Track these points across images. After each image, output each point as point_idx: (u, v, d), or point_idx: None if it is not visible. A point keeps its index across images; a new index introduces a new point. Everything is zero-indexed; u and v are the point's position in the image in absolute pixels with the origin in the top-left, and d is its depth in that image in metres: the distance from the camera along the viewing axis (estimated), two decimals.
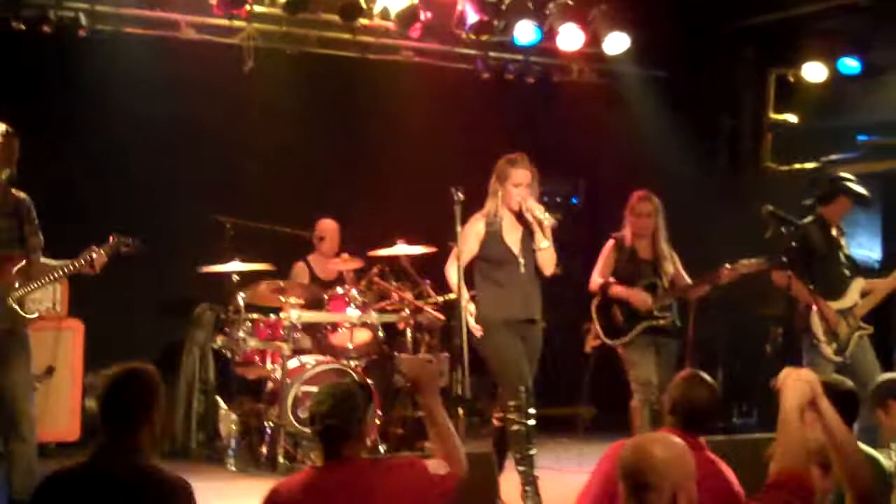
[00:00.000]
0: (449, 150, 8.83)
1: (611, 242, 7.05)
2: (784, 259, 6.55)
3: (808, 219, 7.02)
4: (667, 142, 9.18)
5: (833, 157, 8.97)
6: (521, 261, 6.12)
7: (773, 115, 9.64)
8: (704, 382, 4.07)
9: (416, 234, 7.60)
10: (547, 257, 6.14)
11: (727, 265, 6.73)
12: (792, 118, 9.56)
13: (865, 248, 9.04)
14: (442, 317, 7.48)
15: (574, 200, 10.11)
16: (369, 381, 7.11)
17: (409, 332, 7.42)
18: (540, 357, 6.27)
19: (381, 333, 7.51)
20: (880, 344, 7.10)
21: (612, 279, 6.94)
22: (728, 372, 8.72)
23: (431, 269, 7.55)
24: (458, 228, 6.07)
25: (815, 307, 6.80)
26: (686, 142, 9.22)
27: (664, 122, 9.28)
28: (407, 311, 7.44)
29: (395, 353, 7.74)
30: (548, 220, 6.08)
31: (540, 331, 6.22)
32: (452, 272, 6.12)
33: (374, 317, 7.39)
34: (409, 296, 7.53)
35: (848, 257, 7.12)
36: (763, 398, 8.49)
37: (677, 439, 3.02)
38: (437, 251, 7.22)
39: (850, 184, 7.05)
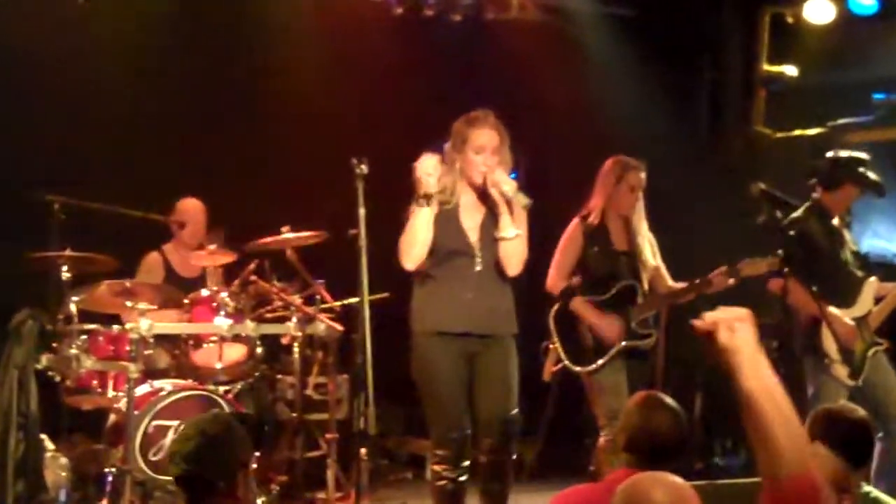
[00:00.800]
0: (351, 110, 8.79)
1: (576, 224, 6.95)
2: (780, 256, 6.57)
3: (804, 207, 7.07)
4: (632, 100, 9.23)
5: (842, 120, 9.07)
6: (478, 253, 6.04)
7: (768, 67, 9.73)
8: (664, 406, 4.10)
9: (308, 219, 7.54)
10: (512, 250, 6.05)
11: (725, 268, 6.69)
12: (791, 70, 9.65)
13: (883, 238, 9.16)
14: (340, 328, 7.43)
15: (514, 175, 10.10)
16: (244, 412, 7.10)
17: (296, 349, 7.33)
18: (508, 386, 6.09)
19: (259, 350, 7.41)
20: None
21: (576, 280, 6.86)
22: (708, 399, 8.79)
23: (327, 264, 7.51)
24: (361, 210, 6.02)
25: (825, 322, 6.84)
26: (657, 100, 9.27)
27: (629, 75, 9.31)
28: (294, 320, 7.36)
29: (279, 376, 7.66)
30: (520, 198, 6.01)
31: (505, 352, 6.08)
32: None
33: (250, 328, 7.28)
34: (296, 300, 7.45)
35: (855, 253, 7.19)
36: None
37: (679, 480, 3.05)
38: (334, 240, 7.13)
39: (860, 169, 7.08)
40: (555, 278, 6.92)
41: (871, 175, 7.07)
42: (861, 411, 4.31)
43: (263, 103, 8.90)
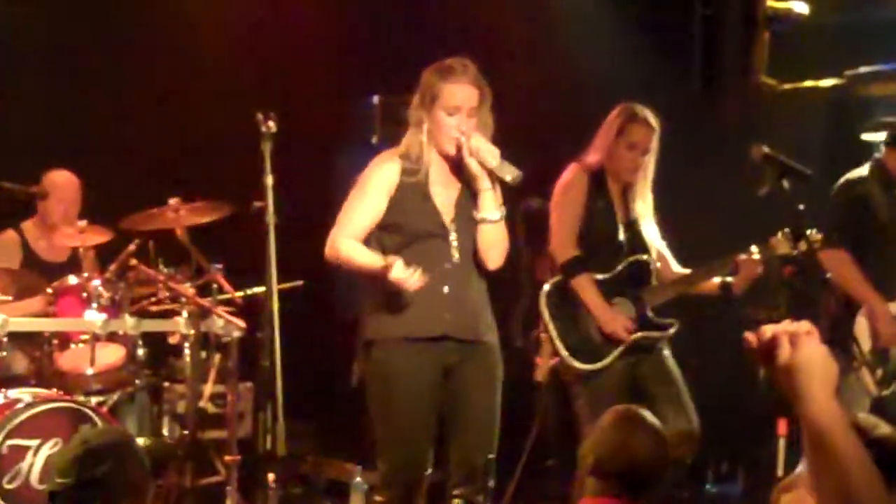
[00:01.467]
0: (256, 55, 8.75)
1: (577, 168, 6.74)
2: (789, 233, 6.58)
3: (865, 169, 7.09)
4: (609, 46, 9.22)
5: (864, 68, 9.10)
6: (454, 237, 5.87)
7: (772, 3, 9.74)
8: (645, 425, 4.12)
9: (201, 189, 7.55)
10: (495, 236, 5.90)
11: (754, 248, 6.64)
12: (800, 7, 9.67)
13: None
14: (242, 324, 7.39)
15: None
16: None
17: (188, 350, 7.29)
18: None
19: (141, 351, 7.40)
20: None
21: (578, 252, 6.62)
22: (698, 412, 8.79)
23: (226, 245, 7.54)
24: (268, 179, 5.97)
25: (865, 310, 6.88)
26: (637, 44, 9.27)
27: (605, 15, 9.30)
28: (185, 314, 7.32)
29: (166, 385, 7.61)
30: (506, 171, 5.79)
31: (491, 367, 5.94)
32: (347, 247, 5.82)
33: (129, 324, 7.26)
34: (188, 290, 7.41)
35: None
36: (752, 451, 8.62)
37: None
38: (235, 215, 7.18)
39: None
40: (563, 238, 6.70)
41: None
42: (885, 427, 4.28)
43: (149, 51, 8.85)
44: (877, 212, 7.00)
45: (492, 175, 5.85)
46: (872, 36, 9.31)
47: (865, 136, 7.23)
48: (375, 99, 8.94)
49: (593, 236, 6.71)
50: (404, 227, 5.87)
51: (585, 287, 6.64)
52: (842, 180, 7.04)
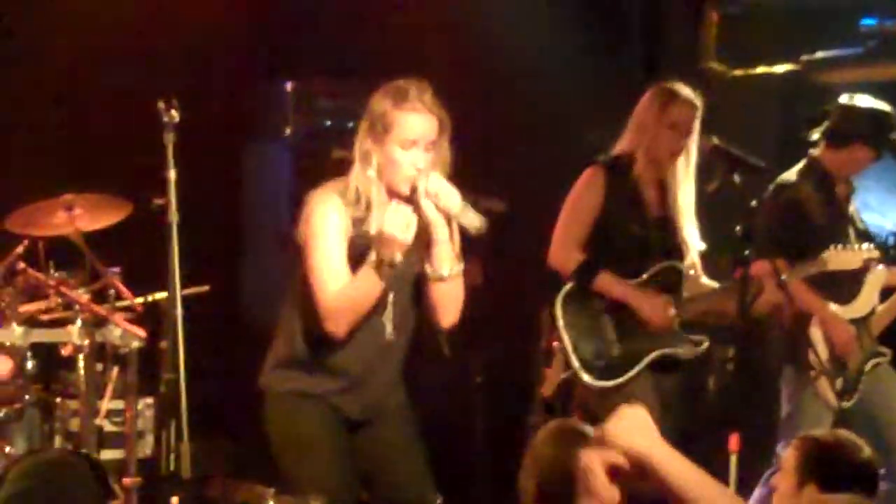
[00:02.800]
0: (157, 35, 8.72)
1: (596, 170, 6.74)
2: (741, 232, 6.60)
3: (798, 167, 7.15)
4: (539, 31, 9.24)
5: (821, 53, 9.17)
6: (390, 304, 5.53)
7: None
8: (584, 436, 4.11)
9: (98, 186, 7.51)
10: (451, 294, 5.60)
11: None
12: None
13: (875, 211, 9.30)
14: (142, 333, 7.37)
15: None
16: (9, 449, 7.02)
17: (82, 362, 7.27)
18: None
19: (30, 364, 7.37)
20: None
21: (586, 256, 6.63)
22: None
23: (124, 247, 7.53)
24: (171, 173, 5.94)
25: (816, 319, 6.99)
26: (573, 29, 9.29)
27: None
28: (79, 323, 7.30)
29: (58, 400, 7.60)
30: (470, 219, 5.45)
31: (399, 415, 5.78)
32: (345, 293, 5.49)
33: (16, 334, 7.23)
34: (81, 296, 7.38)
35: (862, 233, 7.29)
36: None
37: None
38: (134, 214, 7.20)
39: (876, 125, 7.16)
40: (563, 247, 6.68)
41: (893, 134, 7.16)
42: (867, 449, 4.38)
43: (38, 36, 8.79)
44: (811, 215, 7.06)
45: (450, 223, 5.50)
46: (831, 18, 9.39)
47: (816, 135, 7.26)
48: (288, 85, 8.89)
49: (618, 238, 6.74)
50: None
51: (610, 282, 6.64)
52: (773, 185, 7.10)
